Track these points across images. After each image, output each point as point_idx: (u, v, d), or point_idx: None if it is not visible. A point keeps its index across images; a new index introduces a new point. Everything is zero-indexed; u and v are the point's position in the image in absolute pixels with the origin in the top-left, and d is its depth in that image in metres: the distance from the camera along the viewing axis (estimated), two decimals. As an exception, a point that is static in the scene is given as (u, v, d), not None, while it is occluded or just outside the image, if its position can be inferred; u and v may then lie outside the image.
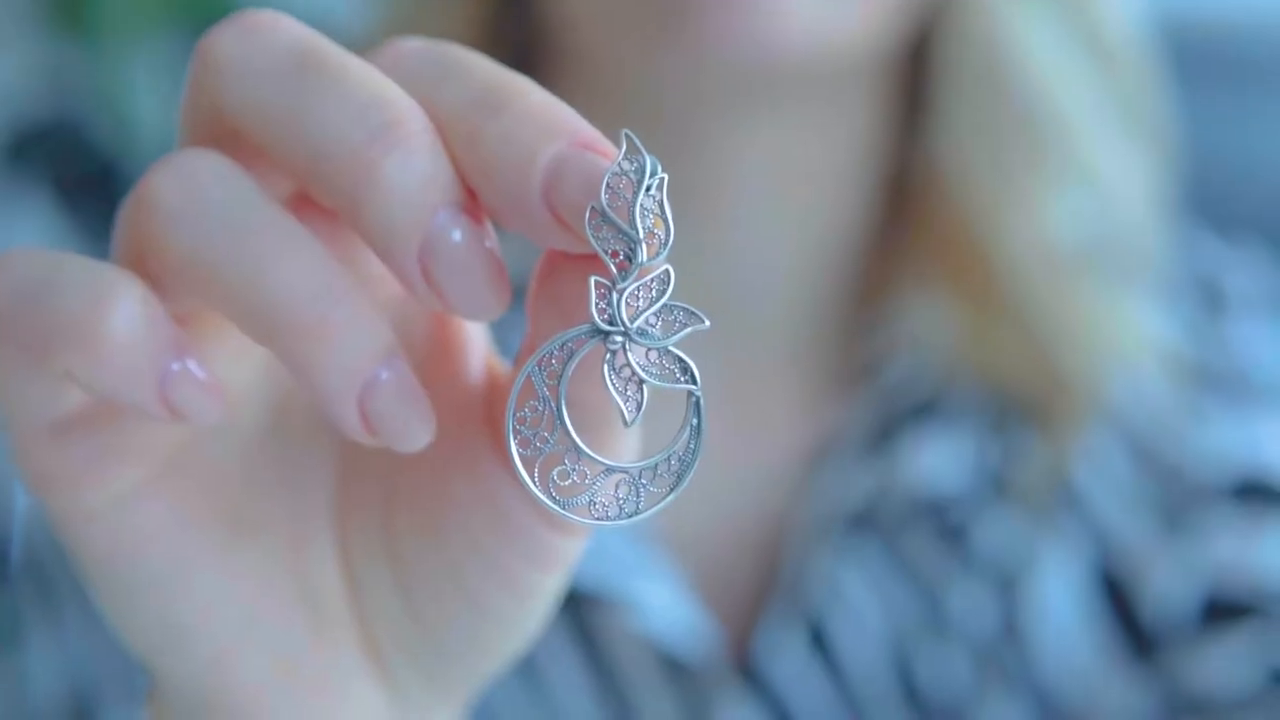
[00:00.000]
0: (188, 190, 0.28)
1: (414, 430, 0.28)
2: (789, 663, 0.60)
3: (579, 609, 0.59)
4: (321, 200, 0.29)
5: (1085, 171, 0.61)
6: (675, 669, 0.59)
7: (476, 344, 0.33)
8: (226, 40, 0.29)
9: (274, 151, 0.28)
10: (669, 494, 0.30)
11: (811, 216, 0.63)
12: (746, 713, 0.59)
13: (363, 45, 0.30)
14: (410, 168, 0.27)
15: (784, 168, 0.61)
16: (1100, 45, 0.61)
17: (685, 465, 0.30)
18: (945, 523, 0.61)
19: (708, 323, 0.28)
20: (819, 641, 0.60)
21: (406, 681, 0.34)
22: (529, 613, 0.33)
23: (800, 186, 0.62)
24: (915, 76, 0.62)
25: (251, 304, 0.27)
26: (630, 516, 0.29)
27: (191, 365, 0.28)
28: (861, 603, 0.60)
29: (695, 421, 0.29)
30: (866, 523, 0.61)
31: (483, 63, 0.29)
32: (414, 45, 0.30)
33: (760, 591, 0.62)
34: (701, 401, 0.29)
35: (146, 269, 0.28)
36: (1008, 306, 0.61)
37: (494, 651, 0.34)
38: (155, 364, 0.27)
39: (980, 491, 0.62)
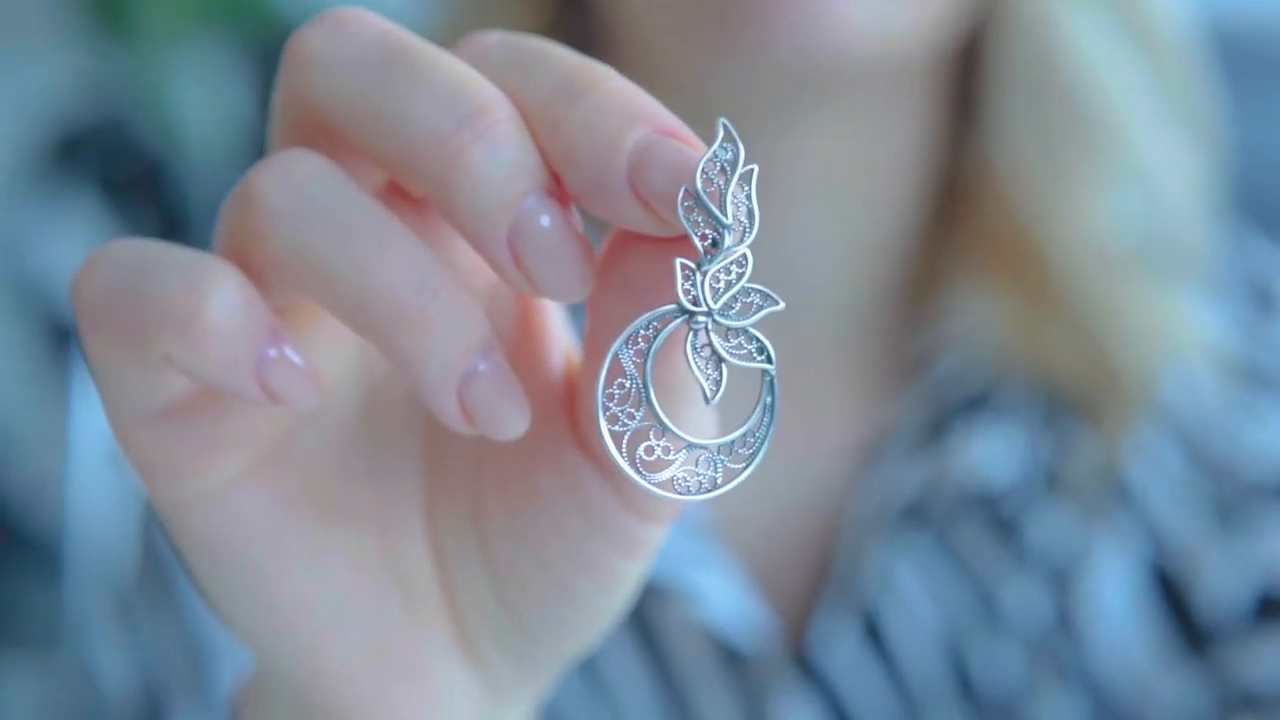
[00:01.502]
0: (290, 188, 0.29)
1: (510, 419, 0.29)
2: (843, 654, 0.60)
3: (638, 599, 0.59)
4: (412, 189, 0.30)
5: (1137, 168, 0.62)
6: (731, 659, 0.60)
7: (557, 333, 0.34)
8: (315, 38, 0.30)
9: (365, 143, 0.29)
10: (745, 470, 0.30)
11: (865, 213, 0.63)
12: (801, 703, 0.60)
13: (438, 42, 0.31)
14: (498, 154, 0.28)
15: (839, 166, 0.61)
16: (1150, 43, 0.62)
17: (760, 441, 0.30)
18: (997, 516, 0.62)
19: (783, 304, 0.29)
20: (873, 633, 0.61)
21: (493, 662, 0.35)
22: (613, 597, 0.34)
23: (854, 184, 0.62)
24: (967, 75, 0.63)
25: (354, 298, 0.28)
26: (709, 492, 0.30)
27: (288, 351, 0.29)
28: (915, 596, 0.61)
29: (769, 400, 0.30)
30: (919, 516, 0.61)
31: (563, 52, 0.30)
32: (495, 37, 0.31)
33: (814, 584, 0.62)
34: (775, 381, 0.30)
35: (249, 264, 0.29)
36: (1060, 302, 0.62)
37: (578, 634, 0.35)
38: (252, 349, 0.28)
39: (1032, 485, 0.62)
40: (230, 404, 0.31)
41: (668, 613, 0.60)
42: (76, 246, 1.39)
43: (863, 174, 0.62)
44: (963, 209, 0.64)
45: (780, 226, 0.62)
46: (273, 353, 0.28)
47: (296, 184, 0.29)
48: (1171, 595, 0.62)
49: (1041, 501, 0.62)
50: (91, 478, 1.24)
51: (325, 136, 0.30)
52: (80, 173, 1.38)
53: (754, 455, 0.30)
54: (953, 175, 0.64)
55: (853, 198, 0.63)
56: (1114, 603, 0.62)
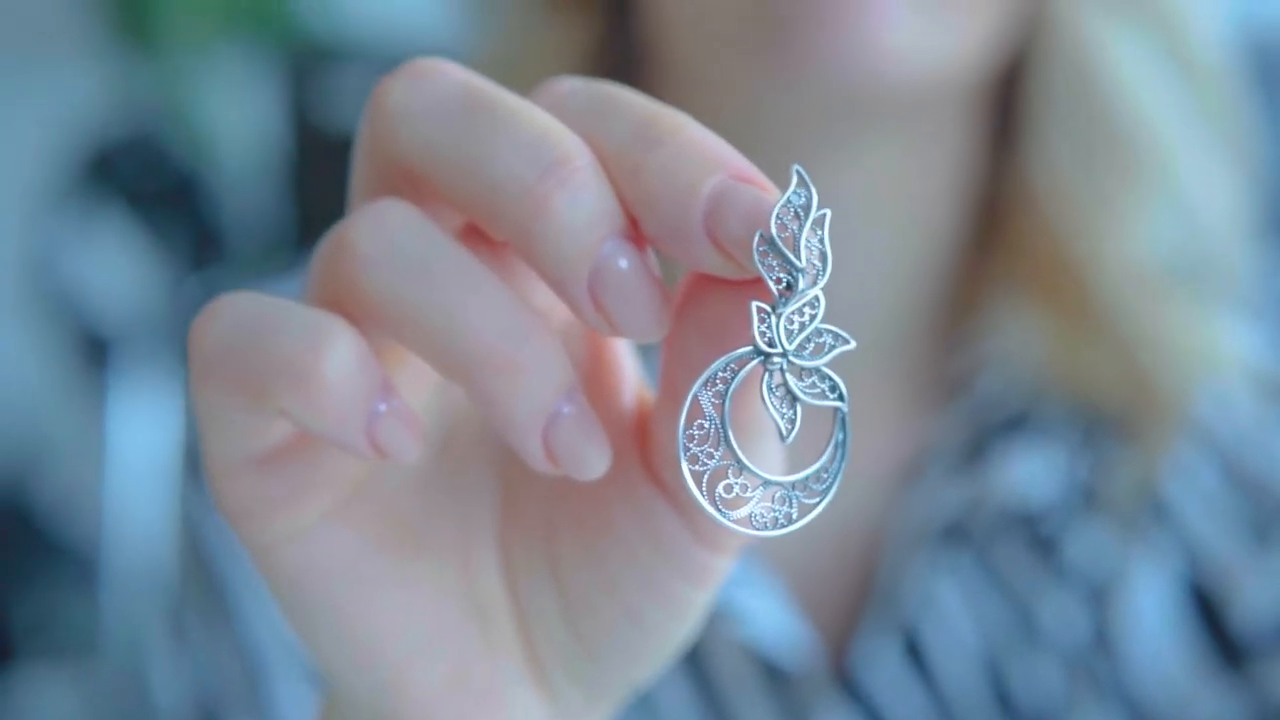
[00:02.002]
0: (383, 237, 0.30)
1: (592, 460, 0.30)
2: (885, 672, 0.61)
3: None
4: (493, 234, 0.31)
5: (1175, 190, 0.62)
6: (775, 677, 0.60)
7: (628, 369, 0.35)
8: (398, 89, 0.31)
9: (447, 190, 0.30)
10: (820, 503, 0.31)
11: (907, 234, 0.64)
12: (843, 721, 0.60)
13: (516, 88, 0.32)
14: (579, 202, 0.29)
15: (881, 188, 0.62)
16: (1189, 65, 0.62)
17: (833, 477, 0.31)
18: (1036, 534, 0.62)
19: (854, 343, 0.30)
20: (914, 651, 0.61)
21: (564, 689, 0.36)
22: (681, 625, 0.35)
23: (897, 206, 0.63)
24: (1008, 97, 0.63)
25: (444, 344, 0.29)
26: (784, 527, 0.31)
27: (396, 406, 0.29)
28: (955, 614, 0.62)
29: (841, 436, 0.31)
30: (959, 535, 0.62)
31: (639, 99, 0.31)
32: (573, 84, 0.32)
33: (856, 602, 0.63)
34: (848, 418, 0.31)
35: (343, 310, 0.30)
36: (1098, 322, 0.62)
37: (645, 662, 0.36)
38: (365, 405, 0.29)
39: (1071, 504, 0.63)
40: (324, 448, 0.32)
41: (711, 631, 0.60)
42: (109, 259, 1.40)
43: (905, 196, 0.63)
44: (1002, 230, 0.64)
45: None
46: (383, 408, 0.29)
47: (388, 233, 0.30)
48: (1208, 612, 0.63)
49: (1080, 520, 0.62)
50: (127, 489, 1.25)
51: (409, 184, 0.31)
52: (112, 186, 1.39)
53: (828, 490, 0.31)
54: (993, 196, 0.65)
55: (895, 219, 0.63)
56: (1151, 620, 0.62)
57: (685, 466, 0.30)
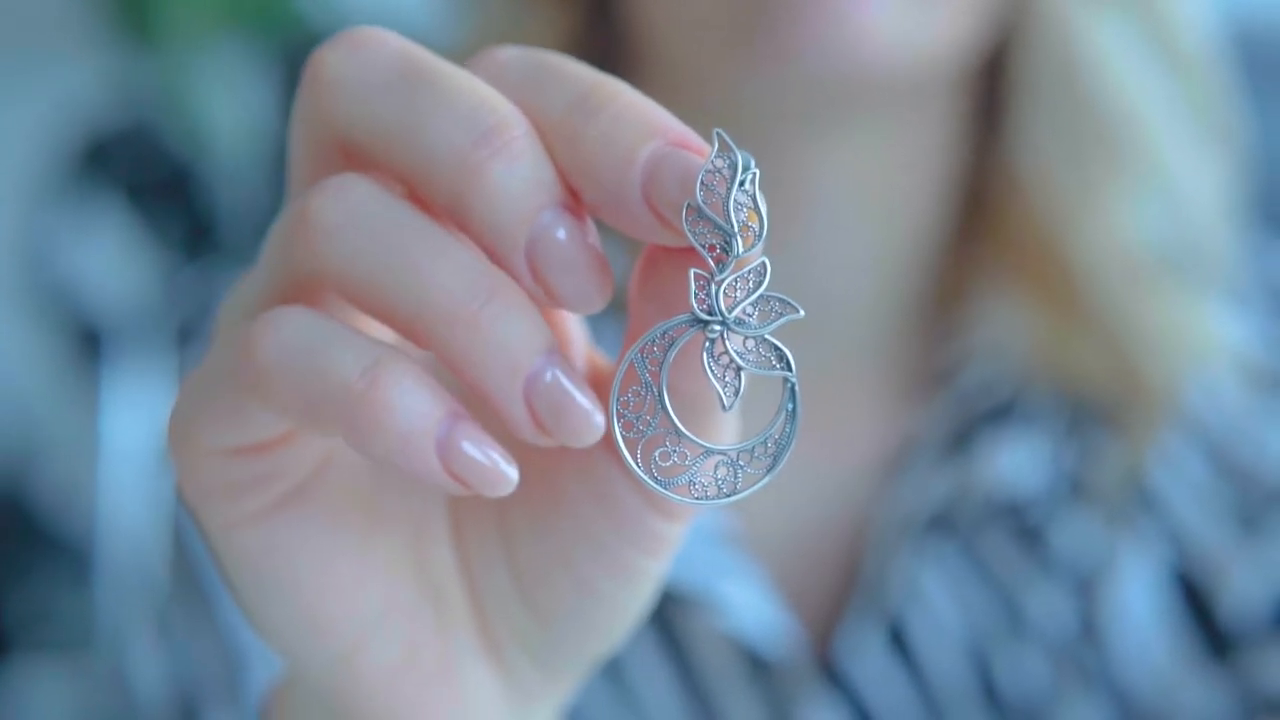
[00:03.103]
0: (345, 209, 0.29)
1: (580, 422, 0.29)
2: (869, 662, 0.61)
3: (664, 609, 0.60)
4: (433, 203, 0.30)
5: (1161, 178, 0.62)
6: (758, 667, 0.60)
7: (577, 341, 0.35)
8: (334, 57, 0.31)
9: (385, 159, 0.30)
10: (765, 475, 0.31)
11: (890, 225, 0.64)
12: (827, 711, 0.60)
13: (455, 57, 0.32)
14: (514, 171, 0.29)
15: (864, 177, 0.62)
16: (1174, 52, 0.62)
17: (781, 448, 0.31)
18: (1023, 524, 0.62)
19: (802, 312, 0.30)
20: (899, 642, 0.61)
21: (519, 665, 0.36)
22: (635, 596, 0.35)
23: (879, 195, 0.63)
24: (992, 86, 0.63)
25: (409, 307, 0.29)
26: (728, 496, 0.31)
27: (476, 437, 0.29)
28: (940, 604, 0.61)
29: (790, 407, 0.31)
30: (945, 525, 0.62)
31: (577, 67, 0.31)
32: (511, 53, 0.31)
33: (840, 592, 0.63)
34: (797, 387, 0.31)
35: (308, 284, 0.30)
36: (1084, 311, 0.62)
37: (601, 635, 0.36)
38: (431, 436, 0.28)
39: (1057, 493, 0.62)
40: (301, 437, 0.32)
41: (694, 621, 0.60)
42: (104, 251, 1.40)
43: (889, 185, 0.63)
44: (988, 219, 0.64)
45: (807, 237, 0.62)
46: (466, 445, 0.29)
47: (351, 204, 0.29)
48: (1196, 602, 0.62)
49: (1066, 509, 0.62)
50: (122, 482, 1.25)
51: (346, 154, 0.31)
52: (108, 178, 1.39)
53: (776, 461, 0.31)
54: (978, 186, 0.64)
55: (879, 209, 0.63)
56: (1138, 609, 0.62)
57: (619, 432, 0.30)
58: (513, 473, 0.29)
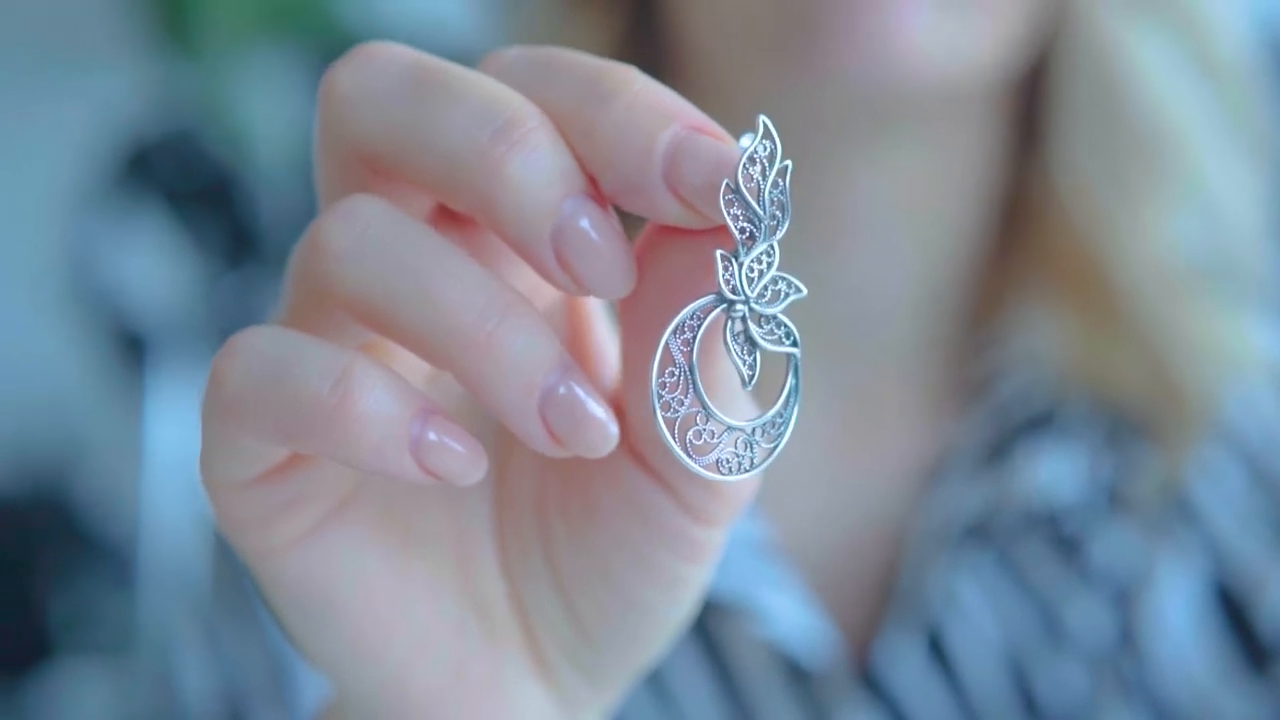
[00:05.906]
0: (354, 232, 0.30)
1: (595, 434, 0.30)
2: (908, 671, 0.61)
3: (703, 617, 0.60)
4: (456, 206, 0.31)
5: (1199, 190, 0.62)
6: (797, 676, 0.60)
7: (608, 351, 0.35)
8: (346, 73, 0.31)
9: (406, 168, 0.31)
10: (774, 448, 0.31)
11: (929, 236, 0.64)
12: (865, 719, 0.61)
13: (467, 64, 0.32)
14: (534, 162, 0.29)
15: (904, 189, 0.62)
16: (1212, 63, 0.62)
17: (785, 422, 0.32)
18: (1060, 535, 0.62)
19: (805, 291, 0.30)
20: (937, 651, 0.61)
21: (566, 678, 0.36)
22: (676, 604, 0.35)
23: (919, 207, 0.63)
24: (1031, 98, 0.63)
25: (425, 329, 0.29)
26: (747, 471, 0.31)
27: (445, 429, 0.29)
28: (978, 613, 0.62)
29: (794, 382, 0.32)
30: (982, 535, 0.62)
31: (582, 57, 0.31)
32: (516, 51, 0.32)
33: (878, 601, 0.63)
34: (799, 363, 0.31)
35: (324, 307, 0.31)
36: (1123, 322, 0.62)
37: (645, 645, 0.36)
38: (404, 436, 0.29)
39: (1095, 504, 0.62)
40: (305, 461, 0.32)
41: (734, 630, 0.61)
42: (146, 258, 1.41)
43: (929, 196, 0.63)
44: (1027, 230, 0.64)
45: (847, 247, 0.63)
46: (432, 436, 0.29)
47: (359, 227, 0.30)
48: (1234, 613, 0.62)
49: (1105, 520, 0.62)
50: (165, 487, 1.26)
51: (370, 170, 0.32)
52: (150, 185, 1.40)
53: (780, 435, 0.31)
54: (1017, 197, 0.65)
55: (919, 219, 0.63)
56: (1177, 621, 0.62)
57: (659, 415, 0.30)
58: (482, 460, 0.30)
